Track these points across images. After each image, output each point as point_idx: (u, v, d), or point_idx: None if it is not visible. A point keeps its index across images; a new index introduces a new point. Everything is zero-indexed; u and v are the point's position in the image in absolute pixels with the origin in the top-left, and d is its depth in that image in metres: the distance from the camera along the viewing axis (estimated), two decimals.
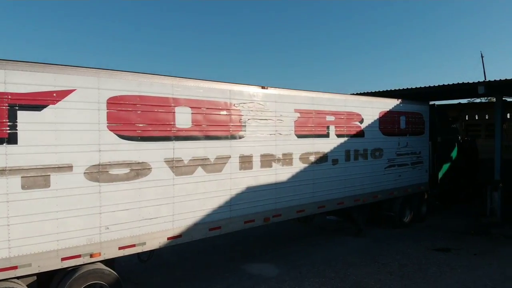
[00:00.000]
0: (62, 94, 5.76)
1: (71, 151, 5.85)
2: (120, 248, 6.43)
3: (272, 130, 8.59)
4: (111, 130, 6.23)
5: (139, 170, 6.53)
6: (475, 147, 17.68)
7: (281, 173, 8.81)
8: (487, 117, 19.32)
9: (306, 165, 9.33)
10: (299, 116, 9.15)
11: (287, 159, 8.91)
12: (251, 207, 8.22)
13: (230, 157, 7.79)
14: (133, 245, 6.58)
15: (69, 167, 5.83)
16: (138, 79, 6.54)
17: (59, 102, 5.72)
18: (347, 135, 10.39)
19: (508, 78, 11.51)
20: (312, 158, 9.48)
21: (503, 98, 13.68)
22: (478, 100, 23.54)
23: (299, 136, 9.16)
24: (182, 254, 9.60)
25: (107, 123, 6.20)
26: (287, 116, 8.88)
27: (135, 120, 6.47)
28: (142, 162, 6.56)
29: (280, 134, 8.74)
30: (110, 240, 6.29)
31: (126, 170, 6.39)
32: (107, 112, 6.19)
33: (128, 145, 6.41)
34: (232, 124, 7.82)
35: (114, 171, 6.28)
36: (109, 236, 6.28)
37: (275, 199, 8.71)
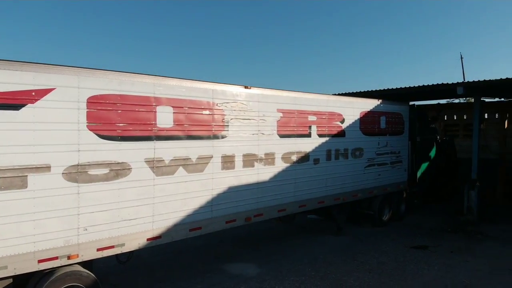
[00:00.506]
0: (41, 93, 5.63)
1: (49, 151, 5.72)
2: (98, 250, 6.34)
3: (255, 130, 8.58)
4: (90, 130, 6.12)
5: (119, 170, 6.43)
6: (454, 146, 18.05)
7: (263, 173, 8.82)
8: (465, 117, 19.74)
9: (288, 164, 9.37)
10: (282, 116, 9.17)
11: (269, 158, 8.92)
12: (233, 207, 8.20)
13: (212, 157, 7.76)
14: (112, 247, 6.49)
15: (47, 168, 5.70)
16: (119, 77, 6.43)
17: (38, 101, 5.59)
18: (328, 135, 10.47)
19: (487, 79, 11.80)
20: (294, 158, 9.53)
21: (481, 99, 13.98)
22: (456, 101, 24.05)
23: (282, 136, 9.18)
24: (162, 255, 9.53)
25: (87, 122, 6.09)
26: (269, 116, 8.89)
27: (115, 120, 6.37)
28: (122, 162, 6.47)
29: (263, 134, 8.74)
30: (88, 242, 6.20)
31: (105, 171, 6.29)
32: (87, 112, 6.08)
33: (108, 145, 6.30)
34: (214, 124, 7.78)
35: (93, 172, 6.18)
36: (87, 238, 6.19)
37: (257, 198, 8.72)
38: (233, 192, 8.19)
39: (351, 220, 12.41)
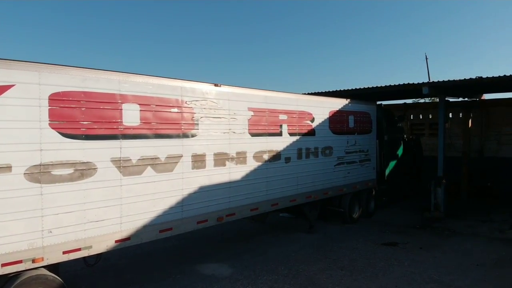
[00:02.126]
0: (0, 90, 5.36)
1: (10, 150, 5.46)
2: (64, 253, 6.10)
3: (226, 128, 8.50)
4: (53, 128, 5.88)
5: (83, 170, 6.21)
6: (420, 145, 18.52)
7: (235, 172, 8.74)
8: (430, 117, 20.29)
9: (259, 163, 9.33)
10: (253, 114, 9.13)
11: (241, 157, 8.85)
12: (204, 207, 8.08)
13: (182, 156, 7.61)
14: (79, 249, 6.26)
15: (8, 168, 5.43)
16: (83, 74, 6.21)
17: None
18: (299, 134, 10.51)
19: (451, 79, 12.16)
20: (266, 157, 9.49)
21: (446, 99, 14.39)
22: (422, 101, 24.68)
23: (253, 135, 9.13)
24: (132, 257, 9.29)
25: (49, 120, 5.84)
26: (240, 115, 8.82)
27: (79, 118, 6.15)
28: (87, 162, 6.25)
29: (234, 132, 8.66)
30: (53, 245, 5.96)
31: (70, 171, 6.06)
32: (49, 109, 5.84)
33: (72, 144, 6.07)
34: (184, 122, 7.64)
35: (57, 172, 5.93)
36: (52, 240, 5.94)
37: (229, 198, 8.63)
38: (204, 191, 8.07)
39: (322, 218, 12.51)
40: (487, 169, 17.54)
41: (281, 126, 9.95)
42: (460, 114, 18.79)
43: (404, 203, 16.13)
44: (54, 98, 5.89)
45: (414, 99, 23.25)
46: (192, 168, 7.82)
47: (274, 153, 9.75)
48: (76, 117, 6.13)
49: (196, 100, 7.86)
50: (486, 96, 17.61)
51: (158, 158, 7.22)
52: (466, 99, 16.87)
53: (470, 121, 17.85)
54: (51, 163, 5.87)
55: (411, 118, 20.85)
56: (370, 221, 13.28)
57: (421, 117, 20.75)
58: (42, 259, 5.87)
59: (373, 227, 12.42)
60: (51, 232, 5.92)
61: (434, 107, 20.27)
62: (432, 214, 13.50)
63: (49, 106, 5.84)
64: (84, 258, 6.60)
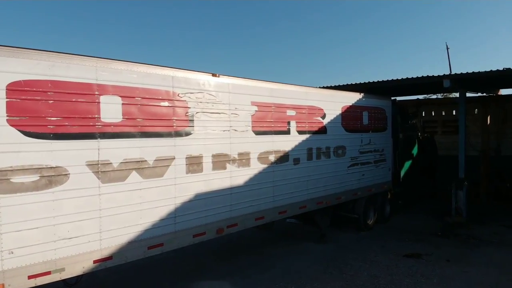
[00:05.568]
0: None
1: None
2: (30, 277, 5.03)
3: (226, 125, 7.36)
4: (12, 125, 4.78)
5: (52, 176, 5.08)
6: (434, 144, 17.36)
7: (237, 176, 7.60)
8: (443, 114, 19.13)
9: (265, 165, 8.19)
10: (257, 110, 7.99)
11: (243, 159, 7.71)
12: (201, 217, 6.94)
13: (174, 158, 6.47)
14: (48, 273, 5.17)
15: None
16: (50, 59, 5.08)
17: None
18: (308, 132, 9.36)
19: (475, 71, 10.99)
20: (272, 158, 8.35)
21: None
22: (434, 96, 23.49)
23: (257, 133, 7.99)
24: (122, 272, 8.14)
25: (7, 116, 4.74)
26: (243, 110, 7.69)
27: (46, 113, 5.03)
28: (57, 167, 5.12)
29: (236, 130, 7.53)
30: (15, 268, 4.89)
31: (34, 177, 4.94)
32: (7, 102, 4.74)
33: (37, 145, 4.97)
34: (176, 119, 6.49)
35: (18, 179, 4.83)
36: (15, 263, 4.88)
37: (230, 206, 7.49)
38: (201, 199, 6.94)
39: (333, 225, 11.33)
40: (505, 169, 16.34)
41: (288, 123, 8.81)
42: (476, 110, 17.60)
43: (420, 206, 14.96)
44: (14, 89, 4.79)
45: (425, 95, 22.08)
46: (187, 172, 6.68)
47: (281, 154, 8.61)
48: (42, 111, 5.01)
49: (191, 93, 6.71)
50: (503, 92, 16.43)
51: (145, 161, 6.07)
52: (484, 94, 15.70)
53: (488, 117, 16.65)
54: (10, 169, 4.76)
55: (423, 115, 19.67)
56: (386, 227, 12.09)
57: (433, 114, 19.56)
58: (3, 286, 4.82)
59: (390, 234, 11.24)
60: (12, 253, 4.86)
61: (449, 103, 19.16)
62: (453, 219, 12.34)
63: (6, 98, 4.74)
64: None
